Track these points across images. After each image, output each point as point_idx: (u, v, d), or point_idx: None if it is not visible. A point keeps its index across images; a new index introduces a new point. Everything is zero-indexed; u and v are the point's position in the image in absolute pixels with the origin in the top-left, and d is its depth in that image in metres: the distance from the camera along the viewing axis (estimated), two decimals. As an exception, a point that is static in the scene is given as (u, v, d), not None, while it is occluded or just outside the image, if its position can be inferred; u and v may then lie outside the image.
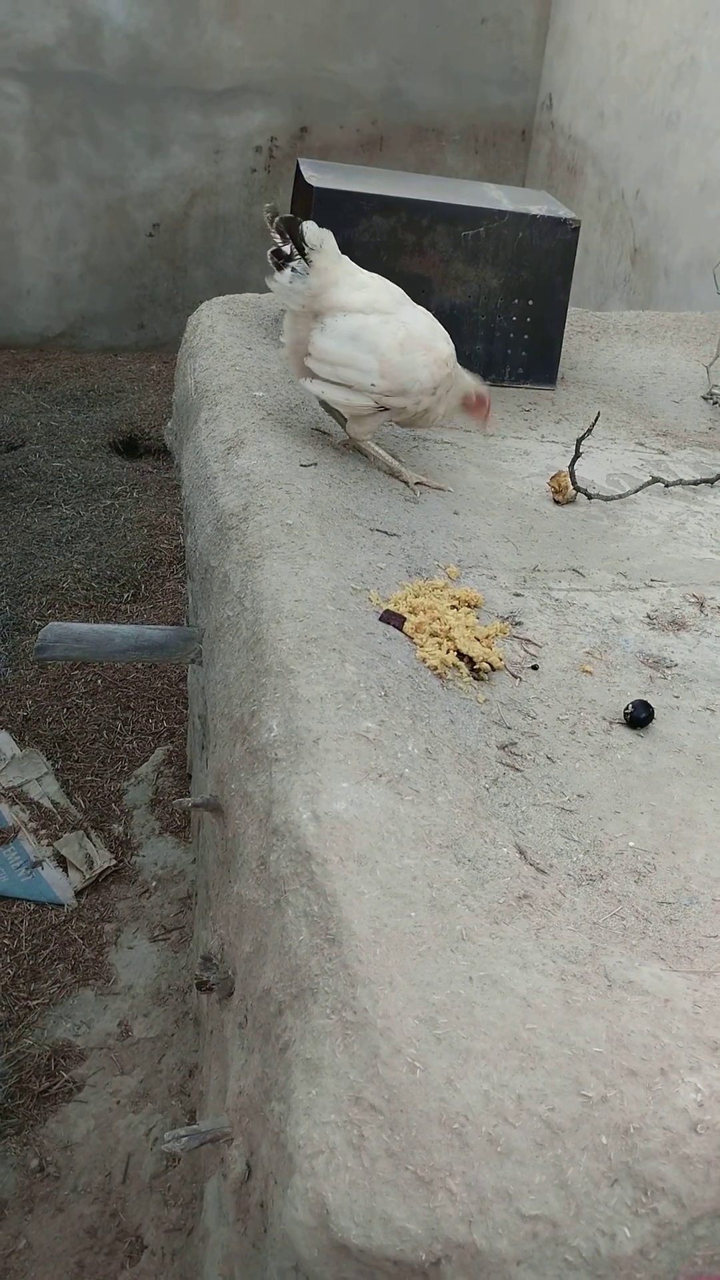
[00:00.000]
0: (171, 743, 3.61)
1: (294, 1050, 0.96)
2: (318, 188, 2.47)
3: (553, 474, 2.13)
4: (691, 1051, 0.89)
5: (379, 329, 1.95)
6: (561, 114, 5.70)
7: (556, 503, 2.09)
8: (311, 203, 2.46)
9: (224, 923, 1.38)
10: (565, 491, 2.08)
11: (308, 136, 6.02)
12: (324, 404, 2.10)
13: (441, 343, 1.99)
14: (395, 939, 1.00)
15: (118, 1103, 2.59)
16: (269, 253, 1.93)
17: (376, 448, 2.08)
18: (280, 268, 1.91)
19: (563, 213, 2.58)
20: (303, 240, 1.90)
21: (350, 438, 2.09)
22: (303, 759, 1.25)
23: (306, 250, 1.90)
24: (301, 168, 2.62)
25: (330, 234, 1.94)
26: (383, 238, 2.51)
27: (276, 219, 1.90)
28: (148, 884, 3.12)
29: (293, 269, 1.90)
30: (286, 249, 1.90)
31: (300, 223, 1.90)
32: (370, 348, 1.95)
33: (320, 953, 1.01)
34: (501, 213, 2.55)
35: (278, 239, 1.90)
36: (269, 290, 1.97)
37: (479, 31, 5.87)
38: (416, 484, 2.06)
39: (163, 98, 5.78)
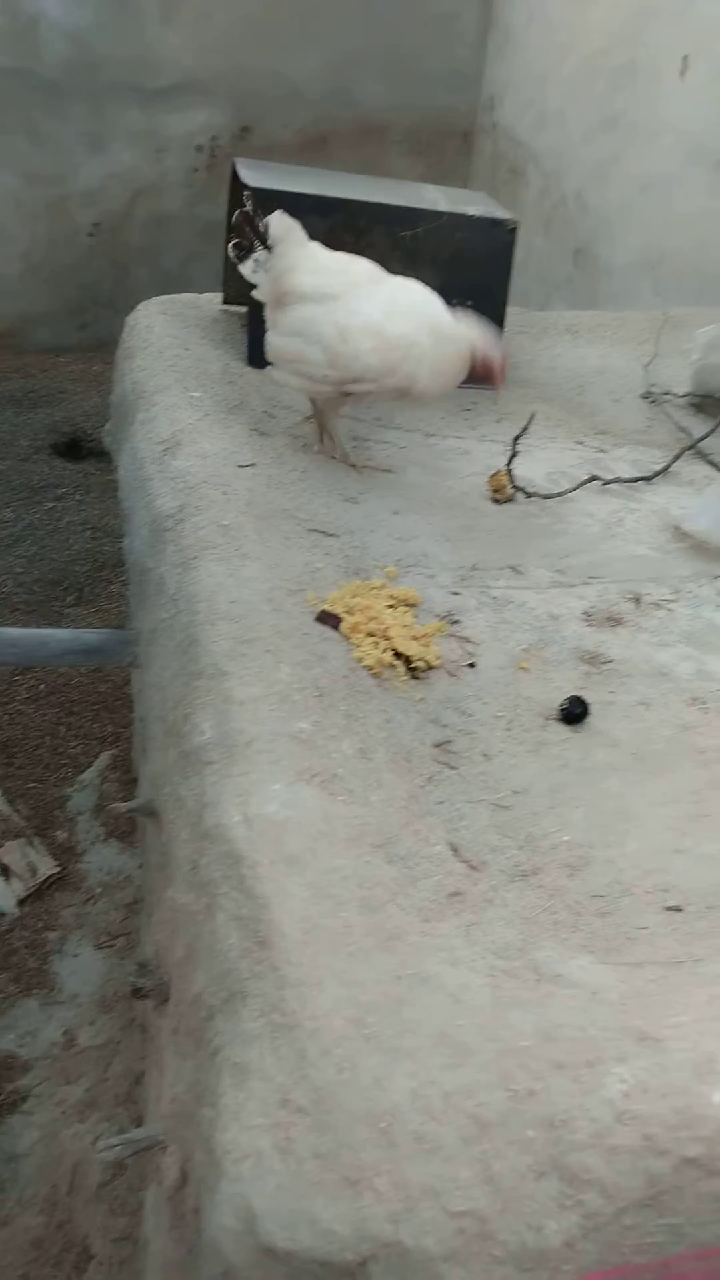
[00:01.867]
0: (116, 747, 3.56)
1: (224, 1055, 0.95)
2: (253, 187, 2.45)
3: (491, 473, 2.14)
4: (618, 1043, 0.90)
5: (321, 320, 1.97)
6: (503, 115, 5.74)
7: (496, 501, 2.10)
8: (245, 202, 2.44)
9: (159, 928, 1.37)
10: (504, 490, 2.10)
11: (250, 136, 5.99)
12: None
13: (394, 323, 1.96)
14: (325, 940, 1.00)
15: (64, 1113, 2.55)
16: (230, 246, 1.99)
17: (338, 430, 2.12)
18: (241, 260, 1.99)
19: (500, 213, 2.60)
20: (265, 234, 1.97)
21: (319, 416, 2.14)
22: (235, 761, 1.24)
23: (270, 240, 1.97)
24: (238, 167, 2.60)
25: (295, 223, 1.99)
26: (320, 238, 2.49)
27: (236, 214, 1.98)
28: (92, 890, 3.08)
29: (255, 260, 1.98)
30: (246, 241, 1.98)
31: (260, 215, 1.97)
32: (315, 340, 1.98)
33: (250, 956, 1.00)
34: (439, 213, 2.55)
35: (236, 235, 1.98)
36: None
37: (421, 33, 5.88)
38: (364, 468, 2.11)
39: (103, 95, 5.70)
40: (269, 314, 2.06)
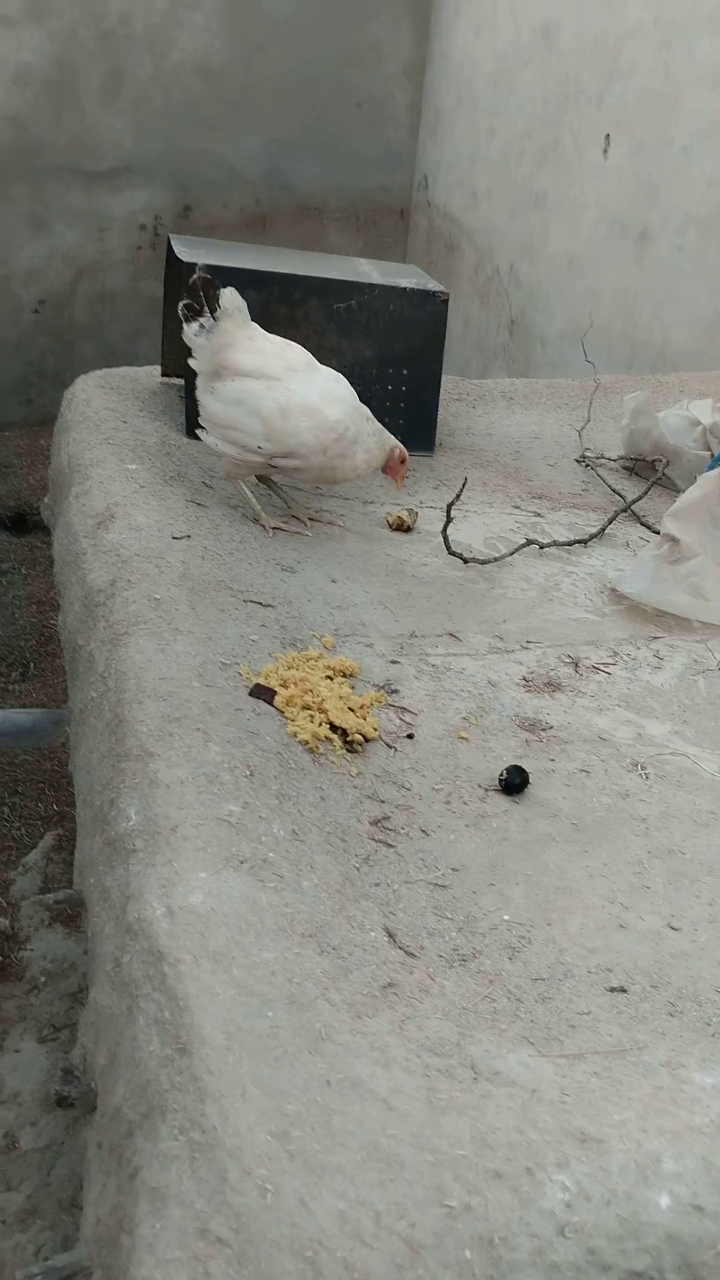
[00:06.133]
0: (62, 827, 3.45)
1: (142, 1177, 0.88)
2: (188, 263, 2.47)
3: (390, 515, 2.26)
4: (559, 1146, 0.85)
5: (262, 395, 2.06)
6: (437, 193, 5.91)
7: (397, 530, 2.23)
8: (183, 278, 2.45)
9: (85, 1030, 1.29)
10: (400, 522, 2.22)
11: (192, 215, 6.10)
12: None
13: (331, 408, 2.07)
14: (250, 1044, 0.93)
15: (4, 1221, 2.38)
16: (181, 305, 2.07)
17: (245, 489, 2.17)
18: (189, 320, 2.07)
19: (431, 285, 2.64)
20: (216, 302, 2.05)
21: (228, 475, 2.19)
22: (160, 849, 1.18)
23: (218, 311, 2.05)
24: (173, 244, 2.62)
25: (244, 304, 2.08)
26: (256, 311, 2.51)
27: (195, 276, 2.06)
28: (36, 980, 2.95)
29: (200, 324, 2.06)
30: (198, 305, 2.06)
31: (218, 285, 2.06)
32: (253, 412, 2.06)
33: (170, 1064, 0.94)
34: (372, 286, 2.59)
35: (189, 297, 2.06)
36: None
37: (355, 115, 6.07)
38: (274, 529, 2.13)
39: (44, 177, 5.79)
40: (203, 381, 2.11)
